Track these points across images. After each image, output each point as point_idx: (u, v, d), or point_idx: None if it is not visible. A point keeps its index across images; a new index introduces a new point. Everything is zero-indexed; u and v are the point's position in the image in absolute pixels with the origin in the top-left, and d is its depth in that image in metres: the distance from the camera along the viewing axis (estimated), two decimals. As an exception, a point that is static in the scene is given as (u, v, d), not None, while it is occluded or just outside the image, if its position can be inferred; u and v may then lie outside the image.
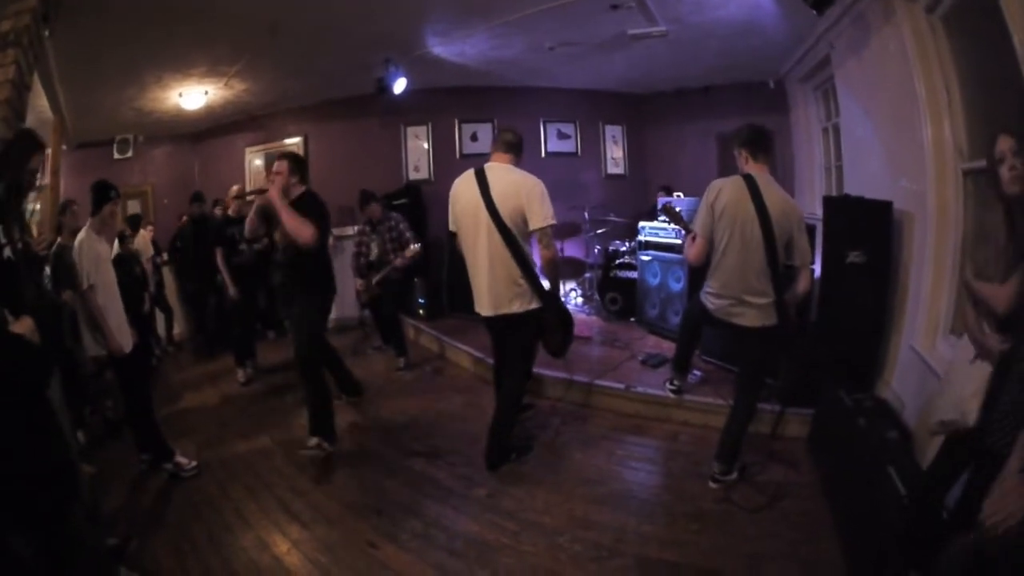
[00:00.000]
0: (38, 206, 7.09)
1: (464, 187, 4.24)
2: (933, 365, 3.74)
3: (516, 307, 4.17)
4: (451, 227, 4.41)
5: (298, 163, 4.85)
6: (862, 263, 4.43)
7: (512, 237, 4.07)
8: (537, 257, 4.22)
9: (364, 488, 4.34)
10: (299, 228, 4.45)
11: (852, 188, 5.34)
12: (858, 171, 5.74)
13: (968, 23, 3.74)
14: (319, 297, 4.95)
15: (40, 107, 6.48)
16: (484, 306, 4.27)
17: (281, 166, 4.70)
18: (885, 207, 4.46)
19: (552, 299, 4.34)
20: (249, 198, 5.31)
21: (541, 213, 4.07)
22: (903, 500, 2.77)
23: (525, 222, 4.09)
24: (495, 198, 4.07)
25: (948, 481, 2.57)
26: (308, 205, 4.67)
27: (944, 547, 2.06)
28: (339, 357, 5.96)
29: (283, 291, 5.47)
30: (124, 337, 4.45)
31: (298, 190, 4.75)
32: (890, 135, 4.85)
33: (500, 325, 4.33)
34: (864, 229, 4.48)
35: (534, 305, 4.21)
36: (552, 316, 4.37)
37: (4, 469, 2.20)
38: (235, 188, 7.45)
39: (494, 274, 4.14)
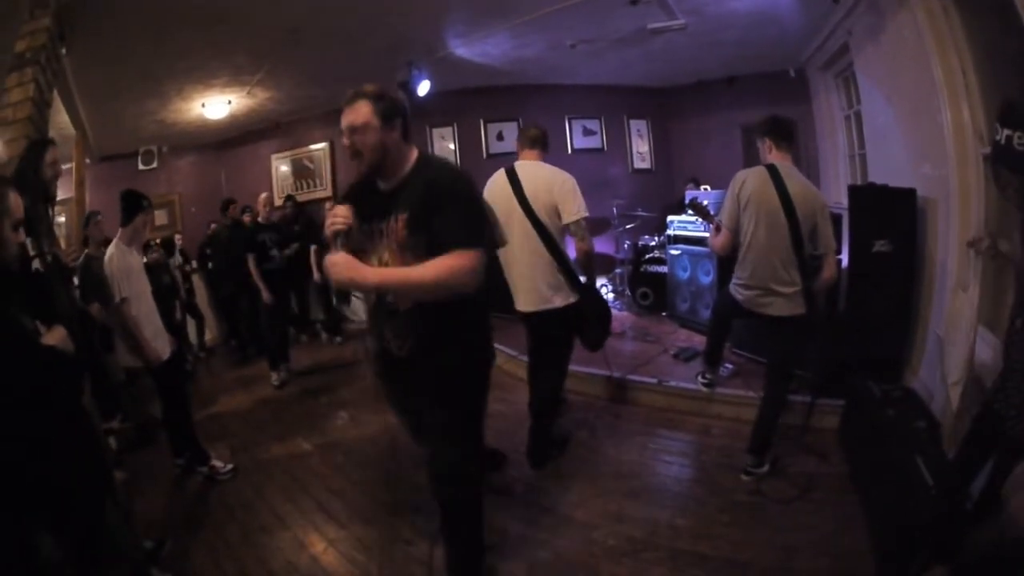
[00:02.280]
0: (64, 218, 7.25)
1: (497, 188, 4.21)
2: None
3: (556, 302, 4.15)
4: None
5: (393, 106, 2.65)
6: (888, 252, 4.44)
7: (547, 233, 4.06)
8: (572, 251, 4.23)
9: (399, 486, 4.38)
10: (446, 276, 2.41)
11: (876, 176, 5.34)
12: (881, 159, 5.73)
13: (982, 5, 3.72)
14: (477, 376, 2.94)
15: (62, 123, 6.60)
16: (523, 303, 4.27)
17: (361, 114, 2.60)
18: (909, 195, 4.47)
19: (589, 292, 4.33)
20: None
21: (574, 206, 4.06)
22: (930, 490, 2.79)
23: (559, 216, 4.09)
24: (528, 195, 4.07)
25: (972, 471, 2.59)
26: (441, 187, 2.58)
27: (967, 538, 2.08)
28: None
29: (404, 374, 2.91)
30: (162, 345, 4.50)
31: (410, 157, 2.70)
32: (911, 121, 4.83)
33: (539, 321, 4.29)
34: (889, 217, 4.49)
35: (572, 299, 4.18)
36: (590, 309, 4.35)
37: (41, 473, 2.28)
38: (263, 196, 7.45)
39: (532, 271, 4.15)
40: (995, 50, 3.70)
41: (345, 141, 2.64)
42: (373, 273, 2.51)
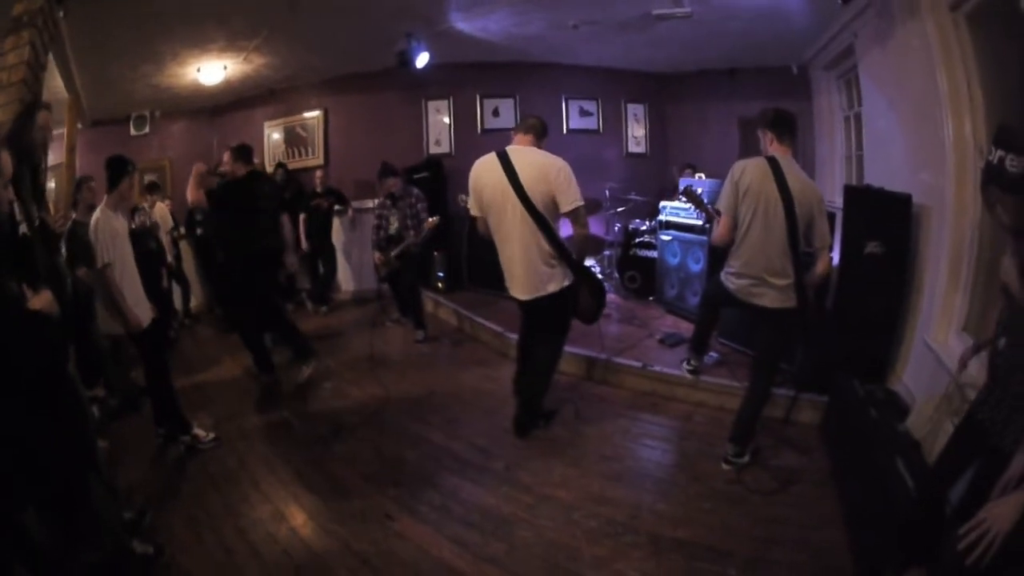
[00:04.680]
0: (54, 183, 7.19)
1: (488, 172, 4.22)
2: (945, 360, 3.75)
3: (552, 287, 4.23)
4: (474, 212, 4.41)
5: (240, 151, 5.72)
6: (880, 254, 4.44)
7: (544, 220, 4.10)
8: (569, 231, 4.27)
9: (382, 460, 4.42)
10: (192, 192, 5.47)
11: (872, 178, 5.36)
12: (879, 162, 5.74)
13: (993, 23, 3.72)
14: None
15: (55, 87, 6.52)
16: (520, 290, 4.31)
17: (226, 156, 5.75)
18: (905, 200, 4.46)
19: (583, 271, 4.42)
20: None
21: (571, 195, 4.08)
22: (910, 493, 2.82)
23: (555, 204, 4.10)
24: (524, 183, 4.07)
25: (953, 476, 2.62)
26: (241, 185, 5.67)
27: (945, 542, 2.11)
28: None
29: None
30: (143, 312, 4.48)
31: (241, 170, 5.67)
32: (912, 128, 4.83)
33: (534, 305, 4.34)
34: (883, 220, 4.48)
35: (567, 282, 4.28)
36: (585, 288, 4.46)
37: (27, 444, 2.26)
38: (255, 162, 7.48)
39: (528, 258, 4.19)
40: (1004, 70, 3.71)
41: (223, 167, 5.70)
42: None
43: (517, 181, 4.07)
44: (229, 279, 6.10)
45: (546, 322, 4.52)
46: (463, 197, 4.61)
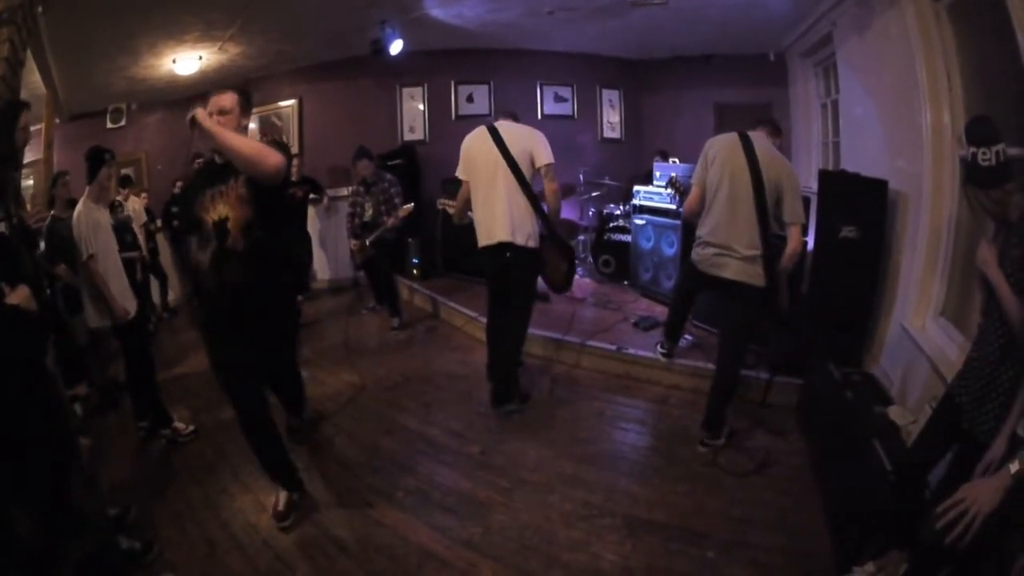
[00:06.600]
0: (32, 181, 7.10)
1: (480, 142, 4.64)
2: (922, 345, 3.80)
3: (524, 239, 4.53)
4: (459, 174, 4.77)
5: (249, 101, 3.55)
6: (855, 238, 4.46)
7: (523, 176, 4.51)
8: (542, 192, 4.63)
9: (359, 447, 4.41)
10: (262, 154, 3.11)
11: (848, 165, 5.39)
12: (855, 148, 5.77)
13: (974, 14, 3.73)
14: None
15: (33, 83, 6.45)
16: (499, 232, 4.54)
17: (229, 100, 3.36)
18: (881, 185, 4.49)
19: (555, 233, 4.77)
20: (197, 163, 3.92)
21: (545, 153, 4.57)
22: (888, 475, 2.82)
23: (532, 163, 4.54)
24: (508, 145, 4.52)
25: (933, 459, 2.63)
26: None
27: (924, 522, 2.11)
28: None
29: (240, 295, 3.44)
30: (128, 301, 4.47)
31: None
32: (889, 116, 4.86)
33: (506, 260, 4.55)
34: (859, 205, 4.50)
35: (538, 243, 4.63)
36: (556, 248, 4.79)
37: (6, 440, 2.24)
38: None
39: (511, 208, 4.52)
40: (985, 62, 3.71)
41: (212, 118, 3.15)
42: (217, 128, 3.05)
43: (504, 146, 4.53)
44: (235, 312, 3.57)
45: (516, 282, 4.66)
46: (442, 201, 5.06)
